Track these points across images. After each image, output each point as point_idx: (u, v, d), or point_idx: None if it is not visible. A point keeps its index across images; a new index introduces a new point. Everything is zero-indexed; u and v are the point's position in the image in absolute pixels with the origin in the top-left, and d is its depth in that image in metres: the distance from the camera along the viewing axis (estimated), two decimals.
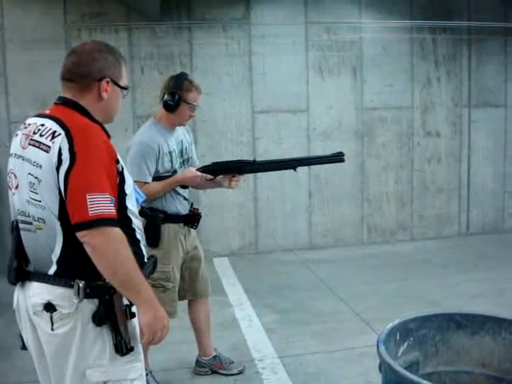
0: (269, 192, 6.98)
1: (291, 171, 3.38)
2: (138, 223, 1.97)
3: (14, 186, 1.89)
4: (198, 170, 3.31)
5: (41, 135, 1.81)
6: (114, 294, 1.80)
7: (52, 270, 1.81)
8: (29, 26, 6.28)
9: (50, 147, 1.77)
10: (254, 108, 6.88)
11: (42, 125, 1.84)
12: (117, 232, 1.74)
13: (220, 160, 3.52)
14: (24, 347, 2.00)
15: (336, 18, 6.90)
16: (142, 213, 3.04)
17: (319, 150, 6.89)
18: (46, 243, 1.82)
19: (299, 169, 3.36)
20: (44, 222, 1.80)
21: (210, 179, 3.31)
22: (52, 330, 1.79)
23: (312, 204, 7.14)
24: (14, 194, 1.91)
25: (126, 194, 1.90)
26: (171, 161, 3.27)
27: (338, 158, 3.37)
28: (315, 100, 7.01)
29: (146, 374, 2.91)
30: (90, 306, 1.79)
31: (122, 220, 1.83)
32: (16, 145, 1.90)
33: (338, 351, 3.98)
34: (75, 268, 1.79)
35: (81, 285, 1.76)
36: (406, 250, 7.05)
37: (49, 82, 5.19)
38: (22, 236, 1.91)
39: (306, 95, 6.99)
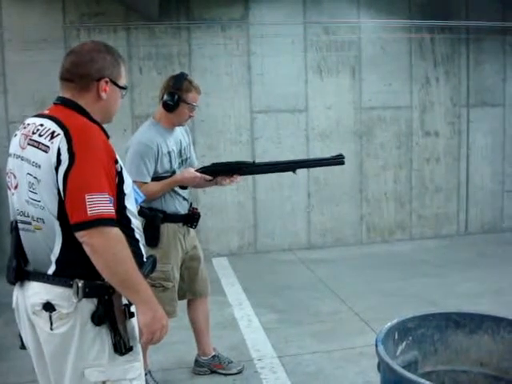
0: (268, 192, 6.98)
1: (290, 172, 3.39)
2: (137, 223, 1.97)
3: (13, 186, 1.89)
4: (197, 170, 3.31)
5: (40, 135, 1.82)
6: (113, 294, 1.80)
7: (51, 270, 1.81)
8: (28, 25, 6.28)
9: (48, 147, 1.77)
10: (253, 108, 6.88)
11: (41, 125, 1.84)
12: (116, 232, 1.75)
13: (219, 160, 3.52)
14: (23, 347, 2.00)
15: (335, 18, 6.91)
16: (141, 212, 3.05)
17: (318, 150, 6.90)
18: (45, 243, 1.82)
19: (298, 169, 3.36)
20: (43, 222, 1.81)
21: (209, 180, 3.31)
22: (51, 329, 1.80)
23: (311, 204, 7.15)
24: (13, 194, 1.91)
25: (124, 194, 1.90)
26: (170, 161, 3.28)
27: (337, 160, 3.37)
28: (314, 100, 7.01)
29: (145, 374, 2.92)
30: (89, 305, 1.79)
31: (120, 220, 1.83)
32: (15, 145, 1.90)
33: (337, 351, 3.99)
34: (74, 268, 1.79)
35: (80, 284, 1.76)
36: (404, 249, 7.06)
37: (47, 81, 5.20)
38: (21, 236, 1.91)
39: (305, 95, 6.99)
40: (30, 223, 1.85)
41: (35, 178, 1.79)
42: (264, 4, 6.80)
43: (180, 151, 3.39)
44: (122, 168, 1.89)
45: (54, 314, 1.79)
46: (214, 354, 3.68)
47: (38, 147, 1.80)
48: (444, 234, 7.58)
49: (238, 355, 3.89)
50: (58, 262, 1.80)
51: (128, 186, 1.93)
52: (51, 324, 1.79)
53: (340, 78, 7.08)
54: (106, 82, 1.93)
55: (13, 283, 1.93)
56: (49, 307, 1.79)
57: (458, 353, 2.32)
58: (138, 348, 1.92)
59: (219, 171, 3.33)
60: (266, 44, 6.79)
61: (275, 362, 3.84)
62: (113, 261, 1.73)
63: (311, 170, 6.86)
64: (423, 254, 6.81)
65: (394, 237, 7.45)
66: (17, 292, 1.94)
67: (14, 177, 1.89)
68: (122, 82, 2.01)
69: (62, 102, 1.92)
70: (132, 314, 1.86)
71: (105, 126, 1.96)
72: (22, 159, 1.85)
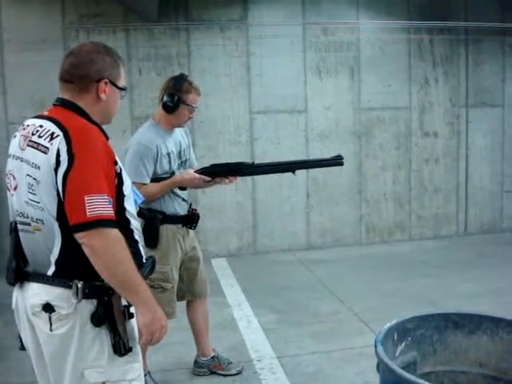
0: (267, 192, 6.99)
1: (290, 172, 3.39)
2: (136, 224, 1.97)
3: (13, 187, 1.89)
4: (196, 171, 3.31)
5: (39, 136, 1.82)
6: (112, 295, 1.81)
7: (50, 271, 1.81)
8: (27, 26, 6.28)
9: (48, 148, 1.77)
10: (252, 109, 6.88)
11: (41, 126, 1.84)
12: (115, 233, 1.75)
13: (218, 160, 3.52)
14: (23, 348, 2.00)
15: (333, 19, 6.91)
16: (140, 214, 3.04)
17: (317, 151, 6.90)
18: (45, 244, 1.82)
19: (298, 170, 3.36)
20: (42, 223, 1.81)
21: (209, 181, 3.31)
22: (51, 330, 1.80)
23: (310, 204, 7.15)
24: (12, 195, 1.91)
25: (124, 195, 1.90)
26: (169, 162, 3.28)
27: (337, 161, 3.37)
28: (313, 101, 7.02)
29: (145, 375, 2.92)
30: (88, 306, 1.79)
31: (120, 221, 1.83)
32: (15, 146, 1.91)
33: (336, 351, 3.99)
34: (74, 269, 1.80)
35: (79, 285, 1.77)
36: (404, 250, 7.06)
37: (47, 82, 5.20)
38: (20, 237, 1.91)
39: (304, 96, 6.99)
40: (29, 224, 1.85)
41: (34, 179, 1.80)
42: (263, 5, 6.80)
43: (179, 152, 3.39)
44: (121, 169, 1.89)
45: (54, 315, 1.79)
46: (213, 354, 3.68)
47: (37, 148, 1.80)
48: (443, 235, 7.58)
49: (237, 356, 3.89)
50: (57, 263, 1.81)
51: (127, 188, 1.93)
52: (51, 325, 1.80)
53: (339, 78, 7.08)
54: (106, 83, 1.93)
55: (12, 284, 1.94)
56: (48, 308, 1.79)
57: (457, 353, 2.33)
58: (138, 349, 1.92)
59: (218, 172, 3.33)
60: (265, 45, 6.80)
61: (274, 362, 3.84)
62: (112, 262, 1.73)
63: (310, 170, 6.86)
64: (422, 254, 6.81)
65: (394, 237, 7.46)
66: (16, 293, 1.94)
67: (14, 178, 1.89)
68: (122, 83, 2.01)
69: (62, 103, 1.92)
70: (131, 315, 1.86)
71: (104, 127, 1.96)
72: (22, 160, 1.85)
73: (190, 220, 3.42)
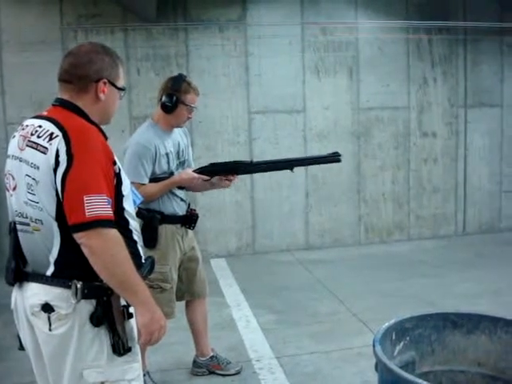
0: (266, 192, 6.99)
1: (288, 171, 3.39)
2: (135, 224, 1.97)
3: (12, 187, 1.90)
4: (194, 171, 3.32)
5: (38, 136, 1.82)
6: (111, 295, 1.81)
7: (50, 271, 1.82)
8: (25, 27, 6.28)
9: (47, 149, 1.78)
10: (251, 108, 6.88)
11: (40, 126, 1.85)
12: (114, 233, 1.75)
13: (216, 161, 3.52)
14: (22, 348, 2.00)
15: (332, 19, 6.91)
16: (139, 214, 3.05)
17: (316, 151, 6.89)
18: (44, 244, 1.82)
19: (296, 169, 3.37)
20: (41, 224, 1.81)
21: (207, 180, 3.32)
22: (50, 330, 1.80)
23: (309, 204, 7.15)
24: (11, 195, 1.92)
25: (123, 196, 1.90)
26: (168, 162, 3.28)
27: (334, 158, 3.37)
28: (311, 100, 7.02)
29: (144, 375, 2.92)
30: (87, 306, 1.80)
31: (119, 221, 1.83)
32: (14, 146, 1.91)
33: (335, 351, 3.99)
34: (73, 269, 1.80)
35: (78, 285, 1.77)
36: (402, 250, 7.06)
37: (45, 83, 5.20)
38: (19, 237, 1.91)
39: (303, 96, 7.00)
40: (28, 224, 1.85)
41: (34, 179, 1.80)
42: (261, 5, 6.80)
43: (178, 153, 3.39)
44: (120, 169, 1.90)
45: (53, 315, 1.79)
46: (212, 354, 3.69)
47: (36, 148, 1.81)
48: (442, 235, 7.59)
49: (236, 356, 3.89)
50: (56, 263, 1.81)
51: (126, 188, 1.94)
52: (50, 325, 1.80)
53: (338, 78, 7.08)
54: (105, 84, 1.93)
55: (11, 284, 1.94)
56: (47, 308, 1.79)
57: (456, 353, 2.33)
58: (137, 349, 1.92)
59: (217, 171, 3.34)
60: (263, 45, 6.80)
61: (273, 362, 3.84)
62: (111, 262, 1.74)
63: (309, 170, 6.88)
64: (421, 254, 6.82)
65: (392, 237, 7.46)
66: (15, 293, 1.94)
67: (13, 178, 1.89)
68: (120, 83, 2.01)
69: (61, 103, 1.93)
70: (130, 315, 1.86)
71: (102, 126, 1.96)
72: (21, 160, 1.85)
73: (189, 220, 3.42)
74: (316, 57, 6.99)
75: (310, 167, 6.71)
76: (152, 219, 3.24)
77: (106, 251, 1.72)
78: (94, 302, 1.80)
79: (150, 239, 3.18)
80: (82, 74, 1.90)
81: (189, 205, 3.49)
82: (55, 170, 1.75)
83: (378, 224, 7.41)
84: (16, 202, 1.89)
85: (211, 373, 3.66)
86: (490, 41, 7.43)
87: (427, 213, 7.55)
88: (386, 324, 2.20)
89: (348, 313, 4.78)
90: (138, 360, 1.93)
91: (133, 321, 1.88)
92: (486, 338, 2.29)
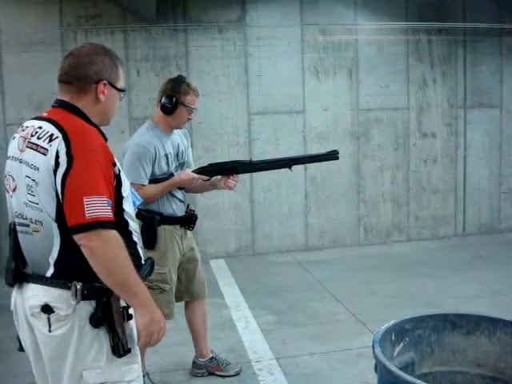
0: (265, 193, 6.99)
1: (287, 172, 3.40)
2: (134, 226, 1.97)
3: (12, 188, 1.90)
4: (194, 171, 3.32)
5: (38, 138, 1.82)
6: (111, 296, 1.81)
7: (49, 272, 1.82)
8: (25, 28, 6.28)
9: (47, 150, 1.78)
10: (250, 109, 6.88)
11: (40, 127, 1.85)
12: (114, 234, 1.75)
13: (216, 161, 3.52)
14: (21, 349, 2.00)
15: (331, 20, 6.92)
16: (138, 215, 3.06)
17: (315, 152, 6.85)
18: (43, 245, 1.82)
19: (295, 170, 3.39)
20: (41, 225, 1.81)
21: (206, 180, 3.32)
22: (49, 331, 1.80)
23: (308, 205, 7.15)
24: (11, 196, 1.92)
25: (122, 197, 1.90)
26: (167, 163, 3.28)
27: (332, 155, 3.38)
28: (311, 101, 7.02)
29: (143, 376, 2.92)
30: (87, 307, 1.79)
31: (118, 223, 1.83)
32: (14, 147, 1.91)
33: (335, 352, 3.99)
34: (72, 270, 1.80)
35: (78, 287, 1.76)
36: (402, 250, 7.07)
37: (45, 84, 5.21)
38: (19, 238, 1.91)
39: (302, 96, 7.00)
40: (28, 225, 1.85)
41: (34, 180, 1.80)
42: (261, 6, 6.81)
43: (177, 154, 3.39)
44: (120, 170, 1.90)
45: (53, 316, 1.79)
46: (211, 355, 3.69)
47: (36, 150, 1.81)
48: (441, 235, 7.59)
49: (235, 357, 3.89)
50: (56, 264, 1.81)
51: (126, 189, 1.94)
52: (49, 326, 1.80)
53: (337, 79, 7.08)
54: (105, 85, 1.93)
55: (11, 285, 1.94)
56: (47, 309, 1.79)
57: (455, 354, 2.33)
58: (136, 350, 1.92)
59: (216, 171, 3.34)
60: (263, 46, 6.80)
61: (273, 363, 3.84)
62: (111, 263, 1.74)
63: (308, 171, 6.88)
64: (420, 255, 6.82)
65: (392, 238, 7.46)
66: (15, 294, 1.94)
67: (13, 179, 1.89)
68: (120, 84, 2.01)
69: (61, 104, 1.93)
70: (130, 316, 1.86)
71: (102, 127, 1.96)
72: (21, 162, 1.85)
73: (188, 221, 3.42)
74: (315, 58, 6.99)
75: (310, 168, 6.73)
76: (151, 220, 3.24)
77: (105, 252, 1.72)
78: (93, 303, 1.80)
79: (150, 240, 3.18)
80: (82, 75, 1.91)
81: (188, 206, 3.50)
82: (55, 172, 1.75)
83: (377, 225, 7.41)
84: (16, 203, 1.89)
85: (211, 374, 3.66)
86: (490, 42, 7.43)
87: (427, 213, 7.55)
88: (386, 325, 2.20)
89: (347, 314, 4.78)
90: (138, 361, 1.93)
91: (132, 322, 1.88)
92: (485, 338, 2.29)
